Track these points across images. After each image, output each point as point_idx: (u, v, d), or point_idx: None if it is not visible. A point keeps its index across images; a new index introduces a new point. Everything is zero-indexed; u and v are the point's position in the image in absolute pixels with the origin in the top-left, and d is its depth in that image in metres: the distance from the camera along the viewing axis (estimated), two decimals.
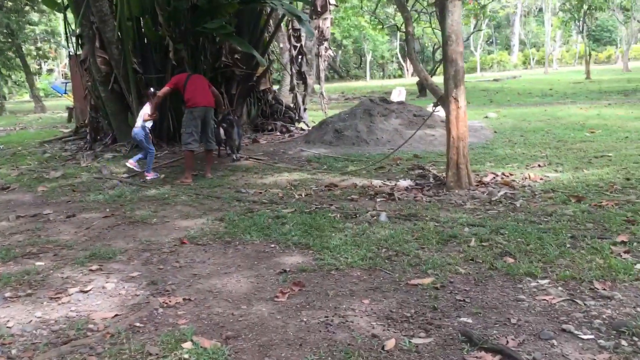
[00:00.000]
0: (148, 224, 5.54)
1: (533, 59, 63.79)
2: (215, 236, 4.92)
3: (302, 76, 11.54)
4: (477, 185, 6.12)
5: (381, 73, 66.39)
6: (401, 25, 21.68)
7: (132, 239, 5.03)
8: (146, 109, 7.92)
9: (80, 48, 10.86)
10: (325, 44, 11.40)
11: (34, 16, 30.08)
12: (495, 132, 10.51)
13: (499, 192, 5.77)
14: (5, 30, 24.34)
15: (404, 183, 6.40)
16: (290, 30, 11.26)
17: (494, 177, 6.47)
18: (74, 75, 12.62)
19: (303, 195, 6.35)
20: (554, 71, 48.22)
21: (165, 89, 7.79)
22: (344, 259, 4.07)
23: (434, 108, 6.52)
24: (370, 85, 40.00)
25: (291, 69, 11.42)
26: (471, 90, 25.22)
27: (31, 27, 32.80)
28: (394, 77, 62.76)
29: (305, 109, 11.78)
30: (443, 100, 6.19)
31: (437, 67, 22.36)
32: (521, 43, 66.40)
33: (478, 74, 53.61)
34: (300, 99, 11.58)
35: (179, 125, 10.36)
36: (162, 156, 9.74)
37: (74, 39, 11.03)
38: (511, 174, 6.66)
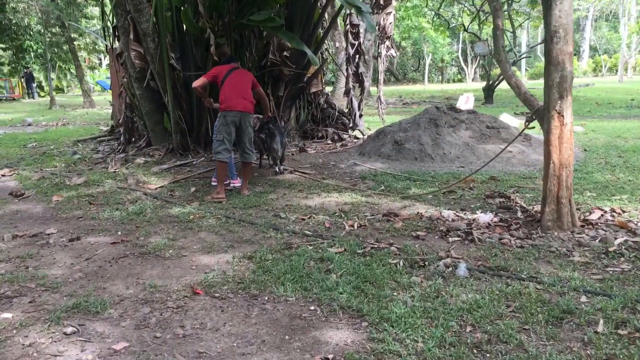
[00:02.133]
0: (160, 258, 4.49)
1: (605, 66, 60.55)
2: (239, 285, 3.81)
3: (359, 78, 10.37)
4: (583, 226, 4.78)
5: (440, 77, 64.48)
6: (469, 23, 20.17)
7: (134, 281, 3.98)
8: None
9: (117, 41, 10.04)
10: (387, 42, 10.20)
11: (95, 10, 30.04)
12: (585, 150, 9.02)
13: (615, 238, 4.42)
14: (57, 23, 24.24)
15: (484, 217, 5.12)
16: (348, 26, 10.11)
17: (602, 215, 5.10)
18: (112, 71, 11.88)
19: (355, 227, 5.16)
20: (629, 80, 45.16)
21: (202, 80, 6.66)
22: (412, 344, 2.87)
23: (526, 124, 5.21)
24: (429, 89, 38.39)
25: (347, 70, 10.27)
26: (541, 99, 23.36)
27: (88, 20, 33.00)
28: (453, 81, 60.74)
29: (361, 115, 10.60)
30: (540, 114, 4.88)
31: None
32: (591, 49, 63.20)
33: (541, 80, 50.97)
34: (355, 103, 10.40)
35: None
36: (197, 164, 8.76)
37: (111, 30, 10.22)
38: (623, 211, 5.27)
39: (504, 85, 23.24)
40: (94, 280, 4.04)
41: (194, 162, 8.89)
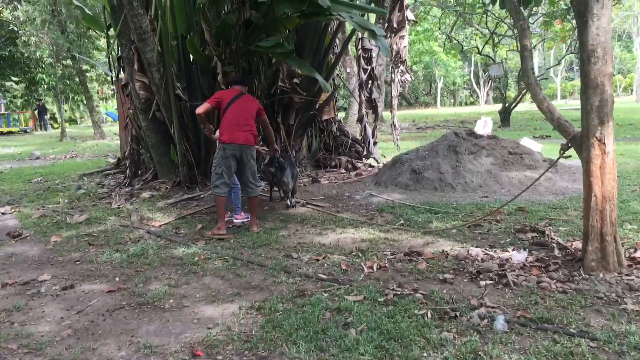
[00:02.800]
0: (159, 310, 4.05)
1: (620, 86, 59.92)
2: (245, 344, 3.35)
3: (372, 104, 9.98)
4: (630, 266, 4.28)
5: (452, 100, 64.27)
6: (483, 46, 19.83)
7: (128, 340, 3.54)
8: None
9: (123, 71, 9.77)
10: (401, 66, 9.83)
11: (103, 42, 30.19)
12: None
13: None
14: (67, 55, 24.29)
15: (518, 256, 4.63)
16: (360, 51, 9.76)
17: None
18: (119, 102, 11.62)
19: (374, 269, 4.70)
20: None
21: (205, 105, 6.22)
22: None
23: (561, 152, 4.75)
24: (442, 113, 38.01)
25: (360, 96, 9.90)
26: None
27: (100, 51, 33.19)
28: (465, 104, 60.41)
29: (375, 143, 10.19)
30: (577, 141, 4.43)
31: (523, 96, 20.23)
32: None
33: (560, 101, 50.67)
34: (369, 130, 10.00)
35: None
36: (205, 197, 8.37)
37: (115, 61, 9.97)
38: None
39: (520, 107, 22.86)
40: (83, 338, 3.61)
41: (201, 196, 8.50)
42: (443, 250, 5.04)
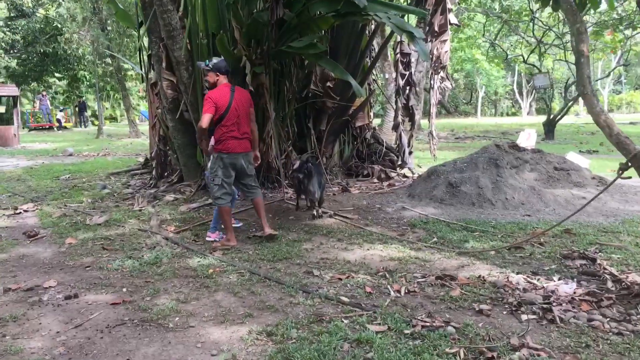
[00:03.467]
0: (162, 328, 3.71)
1: None
2: None
3: (409, 111, 9.54)
4: None
5: (493, 110, 63.02)
6: (528, 55, 19.08)
7: None
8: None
9: (152, 70, 9.56)
10: (442, 72, 9.35)
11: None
12: None
13: None
14: (107, 53, 24.51)
15: (565, 288, 4.13)
16: (398, 55, 9.33)
17: None
18: (149, 101, 11.44)
19: (402, 293, 4.26)
20: None
21: (208, 117, 5.59)
22: None
23: (620, 172, 4.23)
24: (482, 123, 37.07)
25: (396, 102, 9.46)
26: (604, 137, 21.85)
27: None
28: (507, 114, 59.05)
29: (410, 152, 9.72)
30: (638, 160, 3.91)
31: (569, 108, 19.39)
32: None
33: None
34: (405, 139, 9.55)
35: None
36: None
37: (146, 59, 9.78)
38: None
39: (565, 120, 21.97)
40: (75, 359, 3.29)
41: None
42: (480, 276, 4.57)
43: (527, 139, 11.91)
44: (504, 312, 3.85)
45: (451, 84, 9.79)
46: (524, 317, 3.72)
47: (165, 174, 9.78)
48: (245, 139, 5.91)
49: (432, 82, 10.13)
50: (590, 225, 6.35)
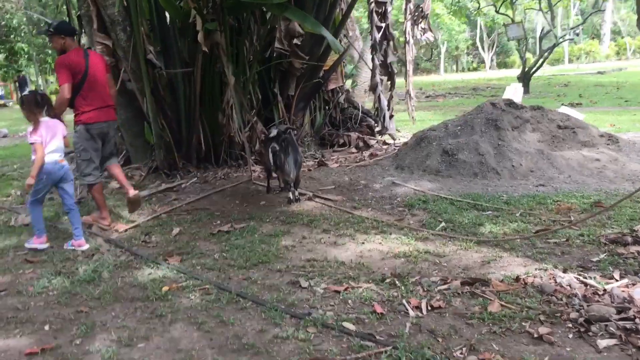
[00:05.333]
0: None
1: (630, 49, 58.09)
2: None
3: (387, 69, 8.42)
4: None
5: (454, 66, 62.50)
6: (501, 4, 18.04)
7: None
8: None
9: (84, 32, 8.13)
10: (423, 23, 8.24)
11: None
12: None
13: None
14: (42, 20, 22.43)
15: None
16: (373, 5, 8.14)
17: None
18: None
19: (424, 311, 3.22)
20: None
21: (68, 86, 5.00)
22: None
23: None
24: (448, 79, 36.17)
25: (373, 59, 8.31)
26: (582, 86, 21.27)
27: None
28: (468, 70, 58.51)
29: (391, 116, 8.63)
30: None
31: (545, 60, 18.53)
32: (612, 32, 60.66)
33: (567, 65, 49.11)
34: (384, 101, 8.43)
35: (215, 139, 7.52)
36: (187, 187, 6.86)
37: (76, 21, 8.31)
38: None
39: (539, 72, 21.18)
40: None
41: (182, 185, 6.99)
42: (517, 277, 3.55)
43: (514, 94, 10.98)
44: (570, 336, 2.85)
45: (433, 37, 8.68)
46: (600, 343, 2.73)
47: None
48: (108, 106, 5.39)
49: (406, 35, 9.00)
50: (619, 194, 5.41)
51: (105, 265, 4.36)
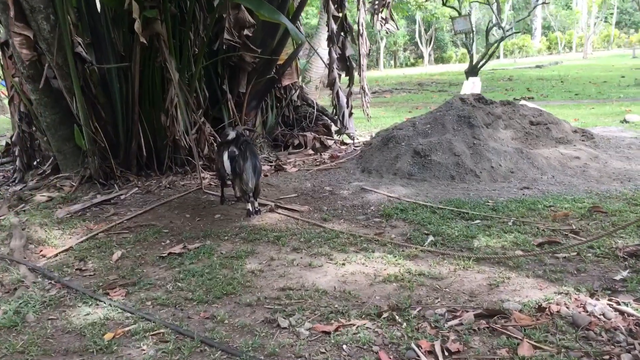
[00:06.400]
0: None
1: (561, 43, 60.27)
2: None
3: (346, 63, 7.85)
4: None
5: (392, 62, 63.00)
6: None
7: None
8: None
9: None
10: (384, 12, 7.72)
11: None
12: None
13: None
14: None
15: None
16: None
17: None
18: (1, 67, 8.80)
19: (439, 357, 2.63)
20: (591, 56, 44.40)
21: None
22: None
23: None
24: (391, 75, 36.07)
25: (330, 53, 7.71)
26: (526, 80, 21.47)
27: None
28: (406, 65, 59.05)
29: (351, 114, 8.07)
30: None
31: (493, 53, 18.50)
32: (542, 27, 62.82)
33: (503, 60, 50.33)
34: (343, 98, 7.86)
35: (157, 143, 6.73)
36: (127, 199, 6.07)
37: None
38: None
39: (486, 66, 21.21)
40: None
41: (122, 197, 6.19)
42: (540, 306, 3.03)
43: (472, 89, 10.66)
44: None
45: (395, 27, 8.17)
46: None
47: (34, 163, 7.51)
48: None
49: (360, 25, 8.45)
50: (612, 195, 5.03)
51: (31, 303, 3.56)
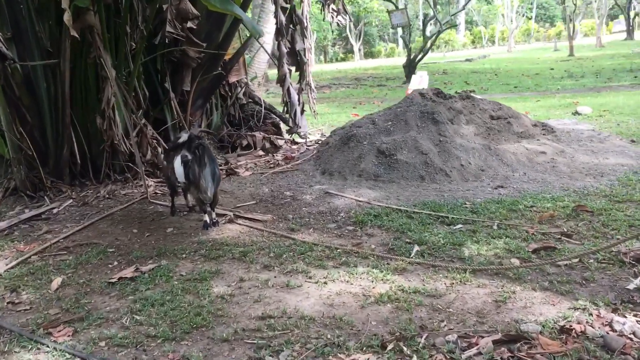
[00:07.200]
0: None
1: (485, 37, 62.20)
2: None
3: (296, 57, 7.40)
4: None
5: (322, 57, 63.02)
6: None
7: None
8: None
9: None
10: (336, 4, 7.31)
11: None
12: (633, 141, 6.71)
13: None
14: None
15: None
16: None
17: None
18: None
19: None
20: (515, 49, 45.94)
21: None
22: None
23: None
24: (324, 70, 35.82)
25: (279, 47, 7.23)
26: (461, 74, 21.71)
27: None
28: (336, 60, 59.21)
29: (303, 111, 7.61)
30: None
31: (431, 47, 18.52)
32: (467, 22, 64.72)
33: (431, 54, 51.41)
34: (294, 95, 7.40)
35: (92, 149, 6.07)
36: (60, 213, 5.40)
37: None
38: None
39: (423, 60, 21.25)
40: None
41: (54, 211, 5.50)
42: (563, 327, 2.71)
43: (420, 83, 10.45)
44: None
45: (345, 19, 7.79)
46: None
47: None
48: None
49: (304, 18, 8.02)
50: (591, 192, 4.85)
51: None
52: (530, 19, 61.14)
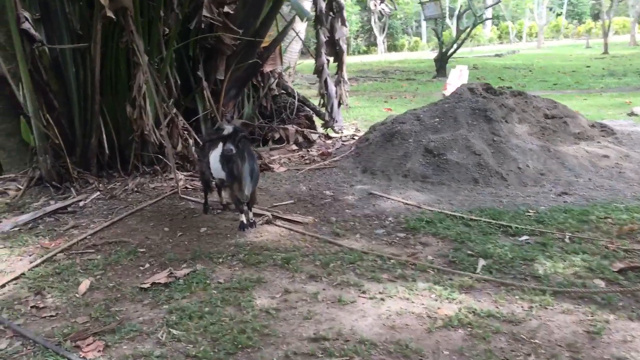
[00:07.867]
0: None
1: (512, 33, 61.13)
2: None
3: (334, 47, 7.00)
4: None
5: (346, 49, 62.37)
6: None
7: None
8: None
9: None
10: None
11: None
12: None
13: None
14: None
15: None
16: None
17: None
18: None
19: None
20: (544, 46, 44.99)
21: None
22: None
23: None
24: (349, 63, 35.06)
25: (318, 35, 6.83)
26: (493, 69, 21.09)
27: None
28: (359, 52, 58.61)
29: (340, 104, 7.21)
30: None
31: (465, 39, 17.96)
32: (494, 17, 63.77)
33: (460, 49, 50.55)
34: (332, 86, 7.01)
35: (121, 139, 5.75)
36: (88, 206, 5.08)
37: None
38: None
39: (456, 54, 20.70)
40: None
41: (80, 204, 5.18)
42: None
43: (459, 78, 10.01)
44: None
45: (389, 8, 7.36)
46: None
47: None
48: None
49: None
50: None
51: None
52: (559, 15, 59.91)
